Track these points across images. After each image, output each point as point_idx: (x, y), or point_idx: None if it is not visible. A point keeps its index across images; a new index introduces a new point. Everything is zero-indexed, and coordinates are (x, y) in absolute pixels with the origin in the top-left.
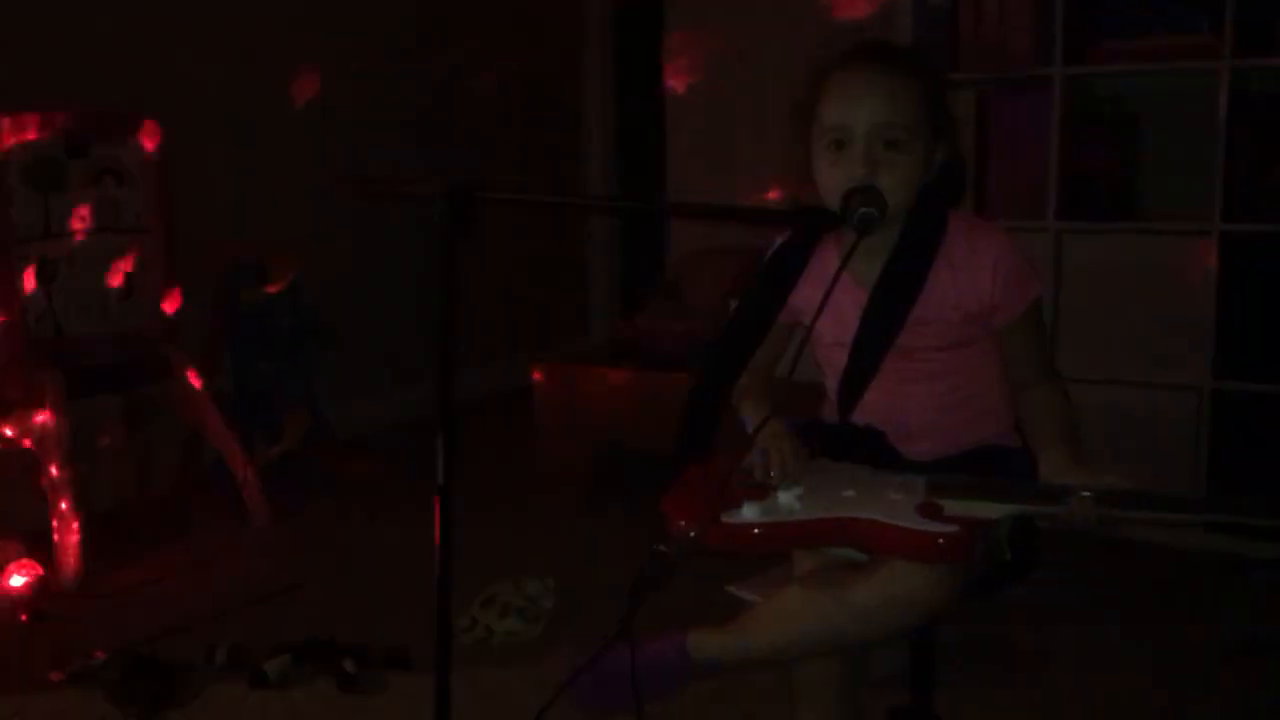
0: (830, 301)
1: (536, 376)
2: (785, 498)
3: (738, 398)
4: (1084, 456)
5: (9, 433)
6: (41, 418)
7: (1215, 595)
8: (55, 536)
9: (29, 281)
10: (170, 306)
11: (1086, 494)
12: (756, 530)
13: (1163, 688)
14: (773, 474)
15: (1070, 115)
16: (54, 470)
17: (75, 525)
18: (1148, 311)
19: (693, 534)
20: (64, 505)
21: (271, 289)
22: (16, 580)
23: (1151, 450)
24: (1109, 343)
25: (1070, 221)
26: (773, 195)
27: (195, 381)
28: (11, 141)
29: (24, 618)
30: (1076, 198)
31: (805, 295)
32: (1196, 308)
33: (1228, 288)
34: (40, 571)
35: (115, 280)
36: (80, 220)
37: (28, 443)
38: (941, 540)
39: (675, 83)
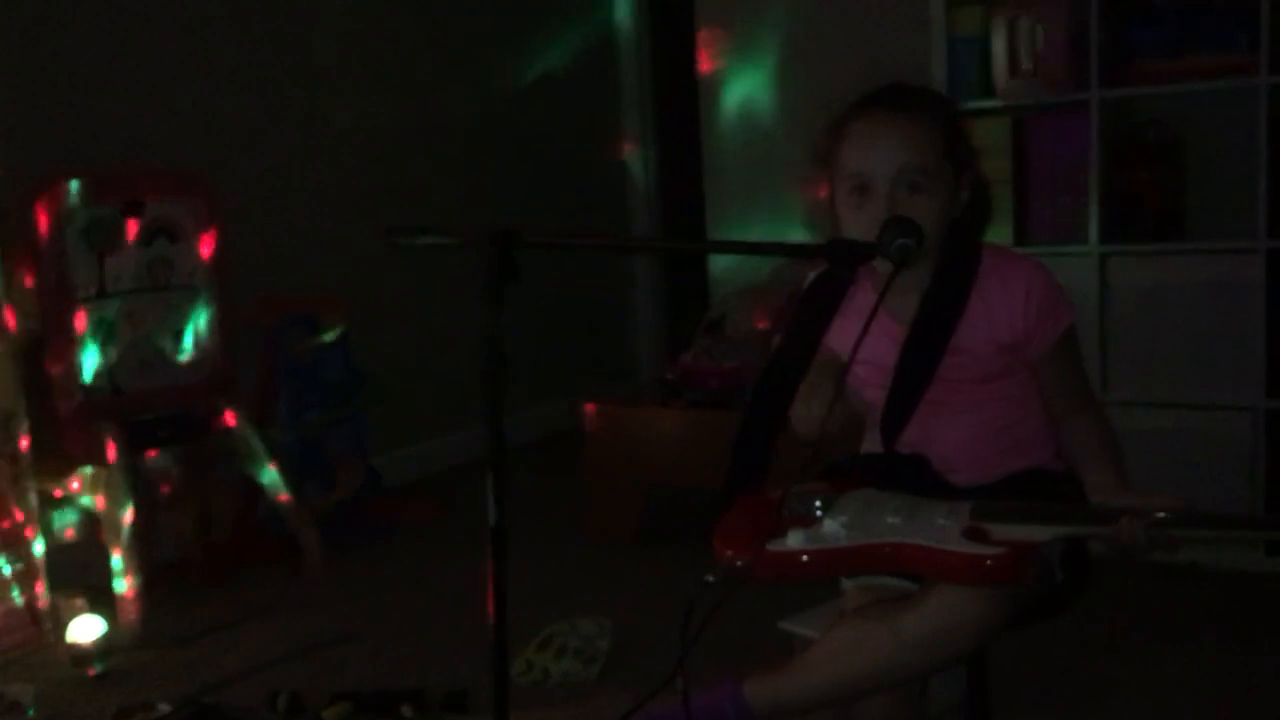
0: (869, 336)
1: (587, 418)
2: (831, 525)
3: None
4: (1131, 480)
5: (72, 488)
6: (103, 473)
7: (1277, 620)
8: (119, 589)
9: (86, 340)
10: (225, 360)
11: (1136, 514)
12: (805, 558)
13: (1226, 716)
14: None
15: (1110, 137)
16: (115, 523)
17: (137, 578)
18: (1197, 332)
19: (740, 563)
20: (126, 558)
21: (321, 339)
22: (81, 633)
23: (1207, 472)
24: (1159, 365)
25: (1114, 244)
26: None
27: (250, 432)
28: (68, 203)
29: (91, 672)
30: (1120, 220)
31: (843, 330)
32: (1246, 327)
33: (1277, 305)
34: (104, 624)
35: (171, 337)
36: (135, 279)
37: (90, 498)
38: (990, 561)
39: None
